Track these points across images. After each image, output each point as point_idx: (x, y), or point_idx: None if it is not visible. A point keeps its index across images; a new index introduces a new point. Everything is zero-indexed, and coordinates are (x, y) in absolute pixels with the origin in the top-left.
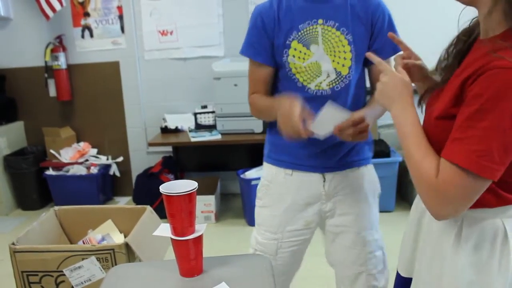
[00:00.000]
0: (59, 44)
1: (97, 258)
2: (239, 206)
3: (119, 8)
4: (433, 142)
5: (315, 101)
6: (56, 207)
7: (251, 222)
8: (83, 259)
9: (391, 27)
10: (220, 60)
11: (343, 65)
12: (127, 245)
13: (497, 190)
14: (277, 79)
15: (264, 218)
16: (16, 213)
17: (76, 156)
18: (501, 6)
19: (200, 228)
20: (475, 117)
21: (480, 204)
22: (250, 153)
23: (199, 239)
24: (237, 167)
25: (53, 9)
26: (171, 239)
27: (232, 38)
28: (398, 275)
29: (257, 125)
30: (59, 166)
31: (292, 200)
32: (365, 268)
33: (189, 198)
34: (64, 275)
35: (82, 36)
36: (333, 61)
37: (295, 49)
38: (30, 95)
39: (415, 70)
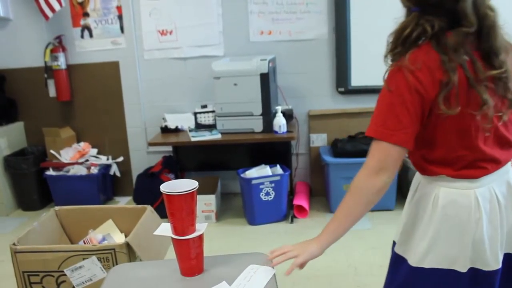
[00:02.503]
0: (58, 44)
1: (98, 258)
2: (239, 205)
3: (119, 8)
4: None
5: None
6: (57, 207)
7: (251, 221)
8: (84, 259)
9: None
10: (220, 60)
11: None
12: (128, 245)
13: (423, 163)
14: None
15: None
16: (17, 213)
17: (76, 156)
18: None
19: (201, 227)
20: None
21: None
22: (250, 153)
23: (199, 239)
24: (237, 166)
25: (52, 9)
26: (172, 238)
27: (232, 37)
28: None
29: (257, 125)
30: (60, 166)
31: None
32: None
33: (189, 197)
34: (65, 275)
35: (82, 36)
36: None
37: None
38: (30, 96)
39: None
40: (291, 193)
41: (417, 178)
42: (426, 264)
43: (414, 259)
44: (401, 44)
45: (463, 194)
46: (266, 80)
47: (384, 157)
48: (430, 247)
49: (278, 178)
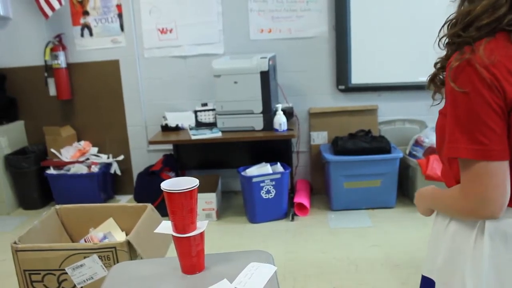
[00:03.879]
0: (58, 43)
1: (99, 256)
2: (240, 203)
3: (118, 6)
4: (439, 140)
5: None
6: (58, 206)
7: (252, 219)
8: (85, 257)
9: None
10: (220, 58)
11: None
12: (128, 243)
13: None
14: None
15: None
16: (18, 212)
17: (76, 155)
18: None
19: (202, 225)
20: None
21: None
22: (251, 151)
23: (200, 236)
24: (238, 164)
25: (52, 8)
26: (173, 236)
27: (232, 35)
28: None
29: (257, 123)
30: (60, 165)
31: None
32: None
33: (190, 195)
34: (66, 273)
35: (82, 35)
36: None
37: None
38: (30, 95)
39: None
40: (292, 191)
41: None
42: None
43: None
44: (477, 29)
45: None
46: (266, 78)
47: (479, 184)
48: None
49: (278, 176)
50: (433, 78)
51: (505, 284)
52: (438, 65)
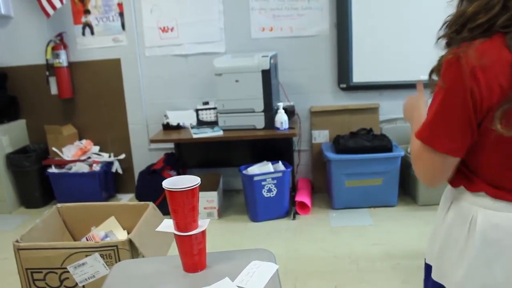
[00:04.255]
0: (60, 42)
1: (100, 255)
2: (241, 202)
3: (120, 5)
4: None
5: None
6: (59, 205)
7: (253, 218)
8: (86, 256)
9: None
10: (221, 56)
11: None
12: (130, 242)
13: (469, 174)
14: None
15: None
16: (19, 211)
17: (78, 154)
18: None
19: (203, 223)
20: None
21: (458, 184)
22: (252, 149)
23: (202, 235)
24: (239, 163)
25: (53, 6)
26: (174, 234)
27: (233, 34)
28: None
29: (258, 121)
30: (62, 163)
31: None
32: None
33: (191, 193)
34: (68, 272)
35: (83, 34)
36: None
37: None
38: (31, 93)
39: None
40: (293, 190)
41: (449, 194)
42: None
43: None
44: (470, 30)
45: (507, 217)
46: (267, 76)
47: (433, 168)
48: (467, 275)
49: (280, 174)
50: (432, 72)
51: (495, 274)
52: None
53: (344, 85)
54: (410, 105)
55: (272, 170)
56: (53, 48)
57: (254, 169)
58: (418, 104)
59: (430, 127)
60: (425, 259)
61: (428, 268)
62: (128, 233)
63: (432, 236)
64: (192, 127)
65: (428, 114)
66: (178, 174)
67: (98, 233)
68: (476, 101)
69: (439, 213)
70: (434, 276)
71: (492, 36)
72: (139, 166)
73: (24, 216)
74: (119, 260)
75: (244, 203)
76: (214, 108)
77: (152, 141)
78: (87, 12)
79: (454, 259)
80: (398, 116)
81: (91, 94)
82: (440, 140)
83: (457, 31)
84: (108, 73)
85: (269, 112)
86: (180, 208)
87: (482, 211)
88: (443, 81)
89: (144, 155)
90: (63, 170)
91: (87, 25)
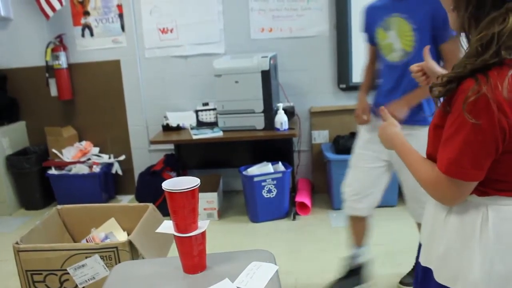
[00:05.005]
0: (59, 44)
1: (100, 256)
2: (241, 203)
3: (119, 6)
4: (431, 148)
5: (391, 68)
6: (59, 206)
7: (253, 218)
8: (86, 257)
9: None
10: (221, 57)
11: (407, 45)
12: (130, 243)
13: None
14: (377, 51)
15: None
16: (19, 212)
17: (78, 155)
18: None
19: (203, 224)
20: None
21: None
22: (252, 150)
23: (202, 236)
24: (239, 164)
25: (53, 8)
26: (174, 236)
27: (233, 35)
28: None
29: (258, 122)
30: (62, 165)
31: None
32: None
33: (191, 194)
34: (68, 273)
35: (83, 35)
36: (401, 42)
37: (379, 34)
38: (31, 95)
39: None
40: (293, 190)
41: None
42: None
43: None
44: (495, 54)
45: None
46: (267, 77)
47: (458, 195)
48: (484, 270)
49: (280, 175)
50: (433, 88)
51: (509, 267)
52: (449, 85)
53: (343, 86)
54: (386, 135)
55: (272, 170)
56: (53, 50)
57: (254, 170)
58: (394, 132)
59: (456, 162)
60: (418, 263)
61: (426, 272)
62: (128, 235)
63: (429, 239)
64: (192, 128)
65: (450, 145)
66: (178, 175)
67: (98, 235)
68: (505, 131)
69: (435, 217)
70: (440, 279)
71: (504, 62)
72: (139, 167)
73: (24, 218)
74: (119, 262)
75: (244, 203)
76: (214, 109)
77: (152, 142)
78: (86, 13)
79: (466, 258)
80: None
81: (91, 96)
82: (468, 171)
83: (486, 55)
84: (108, 74)
85: (269, 112)
86: (180, 209)
87: (492, 206)
88: (472, 115)
89: (144, 156)
90: (63, 172)
91: (87, 26)
